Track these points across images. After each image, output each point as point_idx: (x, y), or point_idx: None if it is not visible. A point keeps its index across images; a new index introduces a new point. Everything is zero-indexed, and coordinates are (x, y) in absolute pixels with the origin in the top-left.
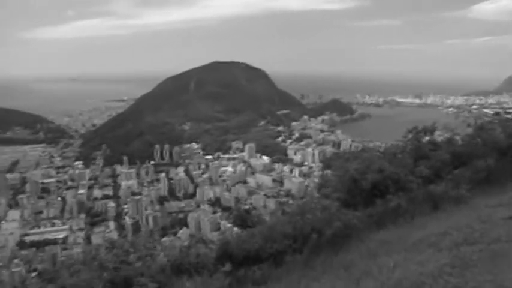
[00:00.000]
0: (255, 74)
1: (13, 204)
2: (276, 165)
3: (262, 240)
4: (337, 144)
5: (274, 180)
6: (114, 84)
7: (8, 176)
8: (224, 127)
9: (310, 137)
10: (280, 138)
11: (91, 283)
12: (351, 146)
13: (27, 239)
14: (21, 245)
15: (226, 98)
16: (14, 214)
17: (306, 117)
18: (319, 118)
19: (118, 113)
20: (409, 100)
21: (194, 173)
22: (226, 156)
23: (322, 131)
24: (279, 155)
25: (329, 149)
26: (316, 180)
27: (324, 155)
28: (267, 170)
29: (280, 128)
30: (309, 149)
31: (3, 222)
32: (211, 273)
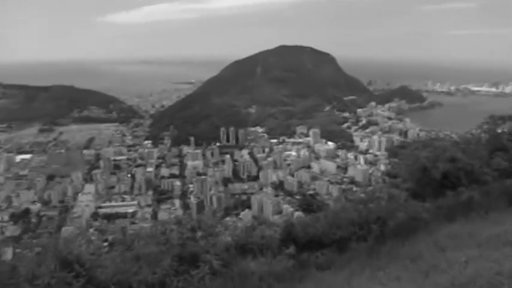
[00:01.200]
0: (322, 59)
1: (88, 179)
2: (341, 152)
3: (326, 226)
4: (404, 133)
5: (338, 167)
6: (182, 67)
7: (85, 152)
8: (289, 111)
9: (376, 124)
10: (345, 125)
11: (161, 256)
12: (418, 135)
13: (100, 211)
14: (95, 216)
15: (292, 83)
16: (89, 188)
17: (373, 103)
18: (387, 105)
19: (186, 95)
20: (484, 89)
21: (258, 156)
22: (291, 140)
23: (389, 118)
24: (344, 142)
25: (396, 138)
26: (382, 168)
27: (390, 143)
28: (331, 156)
29: (346, 114)
30: (375, 137)
31: (80, 194)
32: (275, 254)
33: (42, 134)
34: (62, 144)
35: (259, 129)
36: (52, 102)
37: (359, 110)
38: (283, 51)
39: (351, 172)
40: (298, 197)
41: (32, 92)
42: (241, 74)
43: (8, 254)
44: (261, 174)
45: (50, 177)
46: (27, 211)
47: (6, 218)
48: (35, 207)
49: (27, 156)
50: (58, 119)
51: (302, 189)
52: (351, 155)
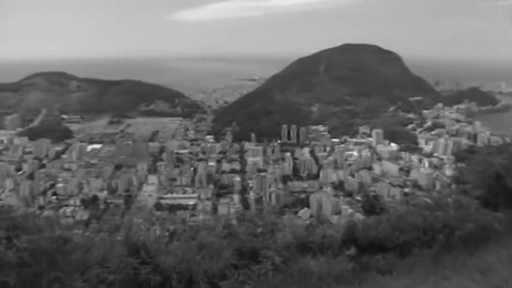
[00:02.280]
0: (387, 57)
1: (152, 170)
2: (404, 154)
3: (389, 229)
4: (473, 137)
5: (400, 169)
6: (246, 64)
7: (150, 144)
8: (352, 111)
9: (443, 127)
10: (410, 126)
11: (223, 248)
12: (489, 139)
13: (162, 201)
14: (157, 206)
15: (355, 81)
16: (153, 179)
17: (440, 105)
18: (455, 107)
19: (249, 92)
20: None
21: (319, 154)
22: (353, 140)
23: (457, 121)
24: (408, 143)
25: (464, 141)
26: (447, 173)
27: (457, 147)
28: (394, 157)
29: (411, 115)
30: (441, 140)
31: (144, 184)
32: (335, 255)
33: (112, 126)
34: (129, 136)
35: (321, 128)
36: (122, 96)
37: (425, 112)
38: (347, 49)
39: (414, 175)
40: (359, 197)
41: (103, 86)
42: (305, 71)
43: (79, 236)
44: (321, 173)
45: (117, 167)
46: (95, 198)
47: (77, 202)
48: (103, 194)
49: (98, 146)
50: (126, 112)
51: (363, 190)
52: (414, 158)
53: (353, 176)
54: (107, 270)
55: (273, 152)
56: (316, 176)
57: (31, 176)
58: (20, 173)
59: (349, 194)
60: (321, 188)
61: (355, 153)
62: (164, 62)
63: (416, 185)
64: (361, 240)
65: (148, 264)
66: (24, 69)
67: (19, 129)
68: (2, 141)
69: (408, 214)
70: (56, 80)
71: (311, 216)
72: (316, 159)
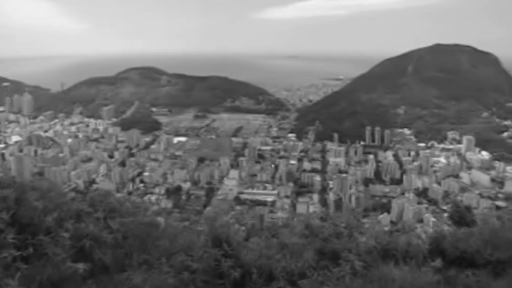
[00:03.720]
0: (483, 59)
1: (234, 165)
2: (498, 164)
3: (481, 243)
4: None
5: (492, 180)
6: (331, 63)
7: (233, 139)
8: (441, 115)
9: None
10: (505, 134)
11: (304, 248)
12: None
13: (242, 196)
14: (237, 200)
15: (446, 84)
16: (234, 173)
17: None
18: None
19: (333, 91)
20: None
21: (403, 159)
22: (440, 146)
23: None
24: (503, 152)
25: None
26: None
27: None
28: (486, 167)
29: (508, 122)
30: None
31: (225, 178)
32: (419, 265)
33: (197, 120)
34: (214, 130)
35: (407, 131)
36: (208, 92)
37: None
38: (438, 49)
39: (508, 187)
40: (444, 207)
41: (191, 82)
42: (392, 72)
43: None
44: (404, 178)
45: (201, 160)
46: (179, 188)
47: (162, 191)
48: (186, 185)
49: (183, 139)
50: (212, 107)
51: (452, 199)
52: (510, 169)
53: (439, 183)
54: (191, 259)
55: (355, 153)
56: (399, 181)
57: (122, 164)
58: (112, 160)
59: (433, 202)
60: (403, 193)
61: (442, 159)
62: (250, 59)
63: (510, 198)
64: (448, 252)
65: (230, 257)
66: (121, 63)
67: (114, 120)
68: (99, 129)
69: (504, 229)
70: (147, 74)
71: (391, 222)
72: (400, 164)
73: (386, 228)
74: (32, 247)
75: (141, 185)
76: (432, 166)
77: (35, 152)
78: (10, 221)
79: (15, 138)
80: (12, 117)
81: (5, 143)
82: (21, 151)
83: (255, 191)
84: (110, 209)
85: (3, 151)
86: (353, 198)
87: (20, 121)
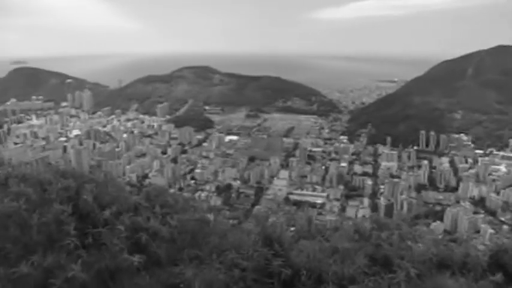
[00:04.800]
0: None
1: (284, 165)
2: None
3: None
4: None
5: None
6: (386, 64)
7: (284, 139)
8: (502, 120)
9: None
10: None
11: (356, 253)
12: None
13: (291, 197)
14: (286, 201)
15: (509, 88)
16: (284, 173)
17: None
18: None
19: (387, 94)
20: None
21: (460, 166)
22: (501, 153)
23: None
24: None
25: None
26: None
27: None
28: None
29: None
30: None
31: (275, 178)
32: (477, 279)
33: (249, 119)
34: (265, 130)
35: (464, 137)
36: (260, 91)
37: None
38: (502, 51)
39: None
40: (503, 218)
41: (243, 81)
42: (450, 75)
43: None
44: (460, 186)
45: (251, 159)
46: (229, 186)
47: (212, 189)
48: (236, 183)
49: (235, 137)
50: (264, 107)
51: (510, 210)
52: None
53: (497, 193)
54: (241, 257)
55: (408, 158)
56: (454, 189)
57: (174, 160)
58: (165, 156)
59: (491, 213)
60: (458, 202)
61: (502, 168)
62: (303, 59)
63: None
64: (509, 267)
65: (280, 257)
66: (175, 62)
67: (168, 117)
68: (153, 126)
69: None
70: (201, 73)
71: (445, 231)
72: (456, 171)
73: (440, 237)
74: (91, 237)
75: (192, 181)
76: (490, 174)
77: (93, 145)
78: (71, 211)
79: (75, 132)
80: (73, 112)
81: (66, 137)
82: (80, 144)
83: (304, 192)
84: (165, 204)
85: (65, 144)
86: (405, 204)
87: (80, 116)
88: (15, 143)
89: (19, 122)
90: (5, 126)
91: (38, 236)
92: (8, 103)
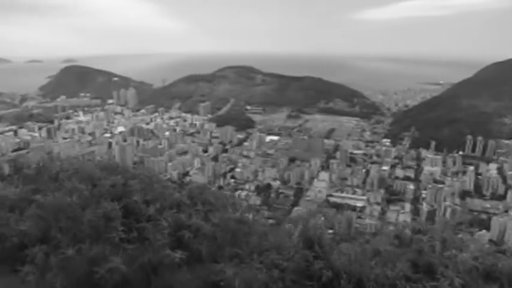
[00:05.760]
0: None
1: (325, 167)
2: None
3: None
4: None
5: None
6: (431, 66)
7: (325, 141)
8: None
9: None
10: None
11: (398, 258)
12: None
13: (330, 199)
14: (326, 203)
15: None
16: (324, 175)
17: None
18: None
19: (432, 96)
20: None
21: (509, 173)
22: None
23: None
24: None
25: None
26: None
27: None
28: None
29: None
30: None
31: (315, 180)
32: None
33: (290, 120)
34: (306, 131)
35: None
36: (301, 92)
37: None
38: None
39: None
40: None
41: (285, 81)
42: (500, 78)
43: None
44: (509, 193)
45: (292, 159)
46: (268, 186)
47: (252, 188)
48: (275, 184)
49: (275, 137)
50: (305, 108)
51: None
52: None
53: None
54: (281, 257)
55: (453, 163)
56: (502, 197)
57: (215, 158)
58: (206, 154)
59: None
60: (507, 211)
61: None
62: (345, 60)
63: None
64: None
65: (321, 259)
66: (218, 62)
67: (209, 116)
68: (195, 124)
69: None
70: (243, 73)
71: (490, 240)
72: (504, 178)
73: (486, 247)
74: (136, 231)
75: (232, 180)
76: None
77: (137, 142)
78: (118, 206)
79: (120, 128)
80: (118, 109)
81: (111, 133)
82: (124, 141)
83: (344, 194)
84: (207, 202)
85: (110, 140)
86: (448, 210)
87: (125, 113)
88: (64, 138)
89: (68, 118)
90: (56, 122)
91: (87, 229)
92: (59, 100)
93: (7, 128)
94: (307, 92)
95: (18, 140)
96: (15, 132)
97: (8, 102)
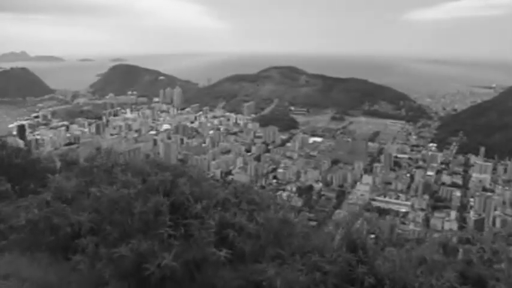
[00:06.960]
0: None
1: (368, 170)
2: None
3: None
4: None
5: None
6: (482, 69)
7: (369, 144)
8: None
9: None
10: None
11: (445, 267)
12: None
13: (373, 203)
14: (367, 207)
15: None
16: (368, 179)
17: None
18: None
19: (483, 101)
20: None
21: None
22: None
23: None
24: None
25: None
26: None
27: None
28: None
29: None
30: None
31: (358, 183)
32: None
33: (334, 122)
34: (350, 133)
35: None
36: (346, 94)
37: None
38: None
39: None
40: None
41: (330, 82)
42: None
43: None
44: None
45: (335, 162)
46: (310, 188)
47: (293, 189)
48: (317, 186)
49: (319, 139)
50: (349, 110)
51: None
52: None
53: None
54: (324, 260)
55: (504, 171)
56: None
57: (258, 158)
58: (249, 154)
59: None
60: None
61: None
62: (391, 61)
63: None
64: None
65: (364, 264)
66: (262, 62)
67: (253, 116)
68: (239, 124)
69: None
70: (287, 73)
71: None
72: None
73: None
74: (182, 228)
75: (274, 180)
76: None
77: (181, 140)
78: (167, 203)
79: (165, 126)
80: (164, 107)
81: (156, 130)
82: (169, 138)
83: (387, 199)
84: (252, 201)
85: (155, 137)
86: (498, 220)
87: (170, 111)
88: (111, 134)
89: (115, 115)
90: (104, 118)
91: (137, 223)
92: (107, 97)
93: (60, 124)
94: (351, 93)
95: (69, 135)
96: (67, 127)
97: (61, 99)
